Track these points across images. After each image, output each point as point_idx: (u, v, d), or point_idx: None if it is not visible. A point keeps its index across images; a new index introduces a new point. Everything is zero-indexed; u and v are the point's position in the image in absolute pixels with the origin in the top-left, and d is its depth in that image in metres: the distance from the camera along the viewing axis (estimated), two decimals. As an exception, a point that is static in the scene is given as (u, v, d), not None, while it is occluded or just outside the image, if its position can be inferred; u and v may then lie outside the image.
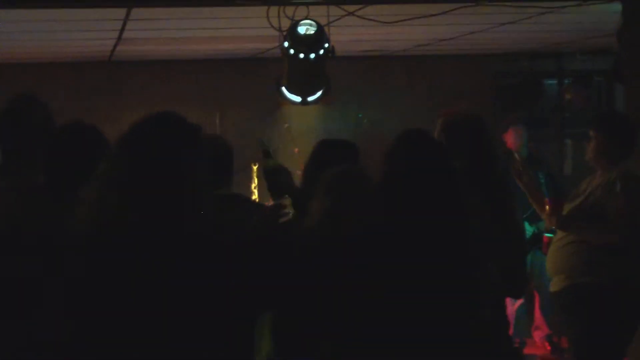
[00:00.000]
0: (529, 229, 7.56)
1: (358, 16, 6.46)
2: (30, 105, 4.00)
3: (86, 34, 7.65)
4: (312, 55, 6.07)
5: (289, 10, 6.09)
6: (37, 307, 3.32)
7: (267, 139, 8.82)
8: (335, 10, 6.30)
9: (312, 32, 6.08)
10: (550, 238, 5.86)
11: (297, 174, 4.49)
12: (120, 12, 6.48)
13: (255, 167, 8.31)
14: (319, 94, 6.43)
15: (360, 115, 10.15)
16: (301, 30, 6.08)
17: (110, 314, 2.76)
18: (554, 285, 5.45)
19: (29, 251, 3.46)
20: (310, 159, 4.26)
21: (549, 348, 7.97)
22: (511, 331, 7.49)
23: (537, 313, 8.05)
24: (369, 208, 3.42)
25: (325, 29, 6.17)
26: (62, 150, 3.69)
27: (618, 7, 6.31)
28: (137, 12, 6.44)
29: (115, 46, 8.40)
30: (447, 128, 4.64)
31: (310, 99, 6.43)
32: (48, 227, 3.39)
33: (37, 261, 3.38)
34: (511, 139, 8.28)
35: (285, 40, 6.11)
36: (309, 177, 4.18)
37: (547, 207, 5.39)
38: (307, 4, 6.04)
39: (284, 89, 6.44)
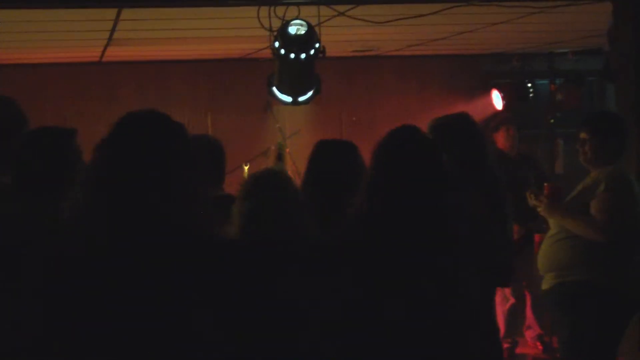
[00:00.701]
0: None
1: (349, 16, 6.46)
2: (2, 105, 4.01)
3: (76, 35, 7.63)
4: (303, 56, 6.06)
5: (280, 10, 6.08)
6: None
7: (283, 142, 8.84)
8: (325, 11, 6.30)
9: (303, 32, 6.08)
10: (541, 237, 5.88)
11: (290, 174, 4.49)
12: (111, 13, 6.47)
13: (246, 168, 8.30)
14: (309, 94, 6.41)
15: (354, 119, 10.15)
16: (292, 30, 6.07)
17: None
18: (544, 284, 5.49)
19: None
20: (310, 160, 4.25)
21: (540, 347, 7.98)
22: (503, 331, 7.53)
23: (529, 313, 8.05)
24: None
25: (316, 29, 6.16)
26: (30, 153, 3.70)
27: (609, 7, 6.33)
28: (127, 12, 6.43)
29: (106, 47, 8.39)
30: (438, 127, 4.68)
31: (301, 99, 6.42)
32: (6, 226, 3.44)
33: None
34: (502, 138, 8.29)
35: (275, 41, 6.10)
36: (310, 178, 4.18)
37: (545, 191, 5.46)
38: (297, 4, 6.04)
39: (274, 89, 6.43)
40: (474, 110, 7.56)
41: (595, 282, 5.25)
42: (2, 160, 3.82)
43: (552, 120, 9.37)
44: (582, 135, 5.46)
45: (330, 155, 4.24)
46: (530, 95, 9.82)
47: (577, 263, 5.29)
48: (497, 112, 9.58)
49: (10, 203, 3.62)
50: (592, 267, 5.26)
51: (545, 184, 5.56)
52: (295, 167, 8.13)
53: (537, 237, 7.25)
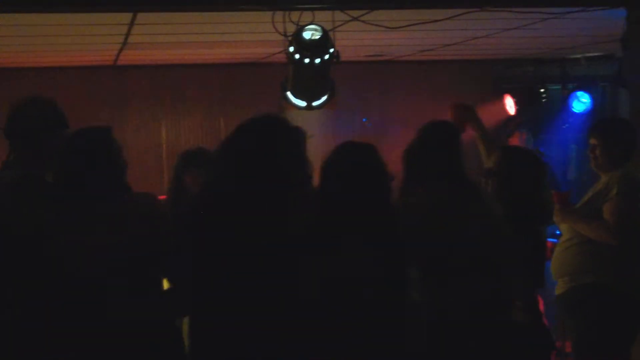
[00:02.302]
0: None
1: (363, 21, 6.47)
2: (40, 104, 4.11)
3: (91, 39, 7.67)
4: (317, 60, 6.08)
5: (294, 15, 6.10)
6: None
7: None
8: (340, 16, 6.32)
9: (318, 37, 6.09)
10: (553, 244, 5.90)
11: None
12: (126, 17, 6.51)
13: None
14: (324, 98, 6.43)
15: (364, 120, 10.16)
16: (306, 35, 6.09)
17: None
18: (558, 288, 5.51)
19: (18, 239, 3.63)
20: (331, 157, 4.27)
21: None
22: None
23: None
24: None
25: (330, 34, 6.18)
26: (73, 151, 3.78)
27: (622, 12, 6.33)
28: (142, 16, 6.47)
29: (120, 51, 8.42)
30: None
31: (315, 103, 6.44)
32: (36, 218, 3.59)
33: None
34: (516, 143, 8.29)
35: (290, 45, 6.12)
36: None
37: (555, 198, 5.45)
38: (312, 10, 6.06)
39: (289, 93, 6.45)
40: (487, 115, 7.57)
41: (606, 285, 5.27)
42: (43, 158, 3.96)
43: (565, 126, 9.38)
44: (592, 140, 5.50)
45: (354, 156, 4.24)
46: (543, 100, 9.83)
47: (588, 266, 5.31)
48: (511, 117, 9.59)
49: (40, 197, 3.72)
50: (603, 270, 5.28)
51: (553, 192, 5.55)
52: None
53: (548, 243, 7.26)
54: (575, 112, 9.64)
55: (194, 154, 5.71)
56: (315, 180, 4.36)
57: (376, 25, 6.60)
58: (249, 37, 7.69)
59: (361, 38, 7.66)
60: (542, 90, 9.85)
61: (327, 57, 6.12)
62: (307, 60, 6.09)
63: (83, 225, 3.56)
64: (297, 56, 6.10)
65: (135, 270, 3.55)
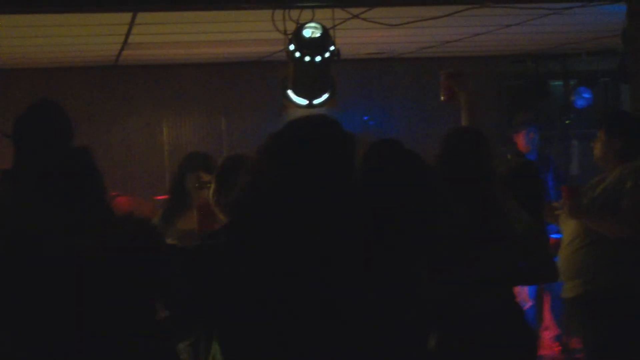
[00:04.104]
0: None
1: (363, 19, 6.48)
2: (49, 110, 4.03)
3: (92, 39, 7.70)
4: (318, 58, 6.10)
5: (294, 13, 6.11)
6: None
7: None
8: (340, 13, 6.33)
9: (318, 35, 6.11)
10: (556, 240, 5.84)
11: None
12: (126, 17, 6.53)
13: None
14: (324, 96, 6.44)
15: (366, 118, 10.17)
16: (306, 33, 6.10)
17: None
18: (568, 291, 5.35)
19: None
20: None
21: (558, 348, 7.97)
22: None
23: (547, 314, 8.05)
24: None
25: (331, 32, 6.19)
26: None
27: (623, 7, 6.33)
28: (142, 16, 6.49)
29: (121, 50, 8.44)
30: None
31: (316, 101, 6.45)
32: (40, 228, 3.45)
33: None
34: (522, 140, 8.25)
35: (290, 44, 6.13)
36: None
37: (564, 194, 5.32)
38: (312, 7, 6.07)
39: (289, 92, 6.45)
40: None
41: (624, 288, 5.17)
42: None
43: (567, 122, 9.37)
44: (600, 134, 5.40)
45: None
46: (546, 96, 9.82)
47: (604, 269, 5.19)
48: (519, 114, 9.56)
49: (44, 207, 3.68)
50: (620, 273, 5.17)
51: (563, 187, 5.45)
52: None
53: (552, 240, 7.24)
54: (577, 108, 9.64)
55: (199, 157, 5.71)
56: None
57: (376, 22, 6.61)
58: (249, 36, 7.71)
59: (361, 36, 7.67)
60: (543, 85, 9.85)
61: (327, 55, 6.13)
62: (307, 59, 6.10)
63: (67, 238, 3.45)
64: (297, 54, 6.12)
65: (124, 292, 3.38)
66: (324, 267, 3.08)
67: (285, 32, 6.18)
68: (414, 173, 3.51)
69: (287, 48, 6.18)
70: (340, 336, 3.11)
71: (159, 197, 6.70)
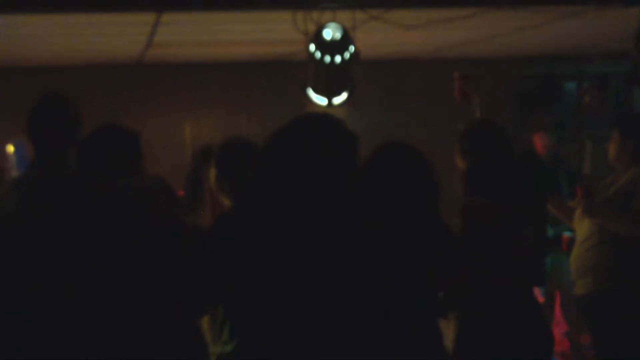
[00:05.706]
0: (550, 231, 7.62)
1: (382, 20, 6.58)
2: (60, 102, 4.10)
3: (116, 38, 7.80)
4: (338, 59, 6.19)
5: (315, 14, 6.20)
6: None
7: None
8: (360, 15, 6.42)
9: (338, 36, 6.19)
10: (569, 237, 5.89)
11: None
12: (151, 17, 6.63)
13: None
14: (344, 96, 6.52)
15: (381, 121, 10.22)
16: (327, 34, 6.19)
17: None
18: (580, 288, 5.38)
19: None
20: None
21: (567, 344, 8.04)
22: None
23: (557, 310, 8.11)
24: None
25: (351, 33, 6.28)
26: (95, 147, 3.84)
27: (636, 11, 6.40)
28: (166, 17, 6.59)
29: (145, 50, 8.55)
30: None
31: (335, 101, 6.53)
32: (57, 217, 3.59)
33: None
34: (540, 142, 8.27)
35: (311, 44, 6.22)
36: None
37: (578, 193, 5.35)
38: (332, 9, 6.16)
39: (310, 91, 6.54)
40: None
41: (636, 287, 5.20)
42: (65, 156, 3.95)
43: (580, 123, 9.40)
44: (615, 134, 5.45)
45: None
46: (559, 98, 9.85)
47: (617, 268, 5.22)
48: (538, 116, 9.61)
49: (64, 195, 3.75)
50: (633, 272, 5.20)
51: (578, 186, 5.44)
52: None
53: (565, 237, 7.32)
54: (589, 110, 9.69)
55: (212, 150, 5.70)
56: None
57: (395, 24, 6.69)
58: (271, 37, 7.80)
59: (380, 37, 7.75)
60: (557, 88, 9.88)
61: (347, 55, 6.22)
62: (327, 59, 6.19)
63: (77, 218, 3.51)
64: (317, 55, 6.20)
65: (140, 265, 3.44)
66: (324, 261, 3.11)
67: (306, 33, 6.27)
68: (415, 175, 3.64)
69: (308, 49, 6.27)
70: (342, 324, 3.14)
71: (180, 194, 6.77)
